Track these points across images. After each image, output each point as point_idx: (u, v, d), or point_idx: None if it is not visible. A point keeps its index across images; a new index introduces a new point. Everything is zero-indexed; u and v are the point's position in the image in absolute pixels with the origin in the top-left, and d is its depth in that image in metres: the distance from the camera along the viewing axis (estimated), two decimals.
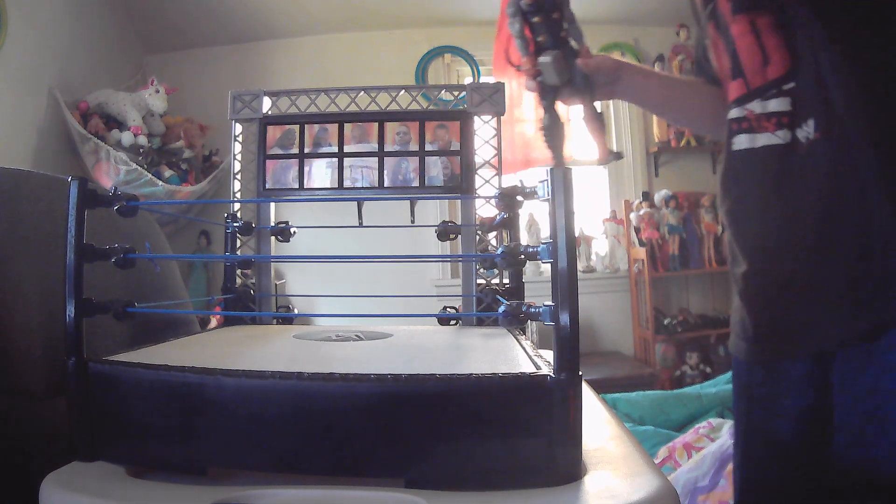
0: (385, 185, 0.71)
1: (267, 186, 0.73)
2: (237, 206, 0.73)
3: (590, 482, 0.35)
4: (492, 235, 0.71)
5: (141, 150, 2.41)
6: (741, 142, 0.65)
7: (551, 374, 0.35)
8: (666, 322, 2.85)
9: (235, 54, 3.03)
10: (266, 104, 0.74)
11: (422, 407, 0.35)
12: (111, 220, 0.47)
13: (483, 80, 2.94)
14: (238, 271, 0.73)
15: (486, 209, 0.70)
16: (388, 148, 0.71)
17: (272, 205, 0.75)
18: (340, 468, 0.35)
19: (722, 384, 2.21)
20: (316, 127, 0.73)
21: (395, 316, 0.43)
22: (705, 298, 3.00)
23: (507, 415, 0.35)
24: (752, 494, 0.70)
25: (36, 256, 0.58)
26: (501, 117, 0.73)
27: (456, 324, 0.67)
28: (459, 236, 0.70)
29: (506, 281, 0.69)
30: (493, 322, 0.66)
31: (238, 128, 0.74)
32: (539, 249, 0.37)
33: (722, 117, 0.70)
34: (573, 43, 0.79)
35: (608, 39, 3.08)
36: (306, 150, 0.73)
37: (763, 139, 0.62)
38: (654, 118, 3.00)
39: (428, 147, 0.71)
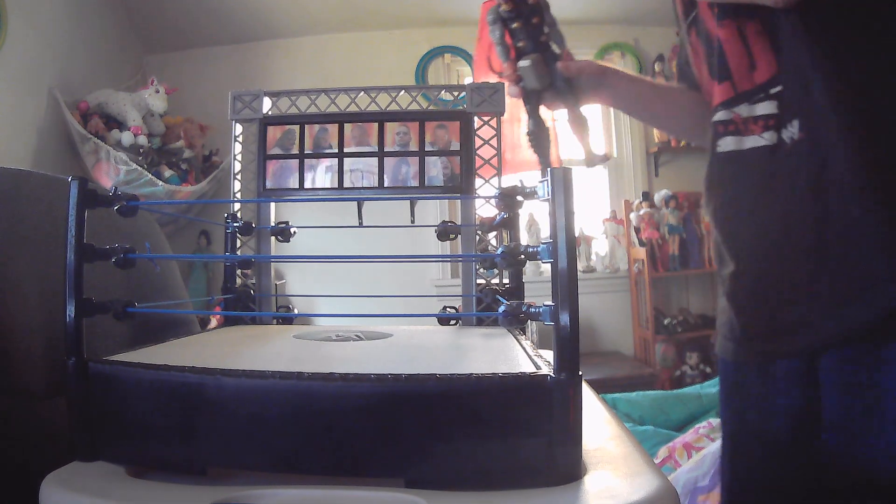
0: (385, 185, 0.71)
1: (267, 187, 0.73)
2: (237, 206, 0.73)
3: (590, 482, 0.35)
4: (492, 235, 0.71)
5: (141, 150, 2.41)
6: (727, 144, 0.65)
7: (551, 374, 0.35)
8: (666, 322, 2.85)
9: (235, 54, 3.03)
10: (266, 104, 0.74)
11: (422, 407, 0.35)
12: (111, 220, 0.47)
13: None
14: (238, 271, 0.73)
15: (486, 209, 0.70)
16: (387, 148, 0.71)
17: (272, 205, 0.75)
18: (340, 468, 0.35)
19: None
20: (316, 127, 0.73)
21: (395, 316, 0.43)
22: (705, 298, 3.00)
23: (507, 415, 0.35)
24: (739, 495, 0.71)
25: (36, 256, 0.58)
26: (502, 117, 0.73)
27: (456, 324, 0.67)
28: (459, 236, 0.70)
29: (506, 281, 0.69)
30: (493, 322, 0.66)
31: (238, 128, 0.74)
32: (539, 249, 0.37)
33: (704, 123, 0.70)
34: (554, 47, 0.80)
35: (608, 39, 3.08)
36: (306, 151, 0.73)
37: (750, 142, 0.63)
38: None
39: (428, 147, 0.71)
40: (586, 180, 3.16)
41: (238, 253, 0.72)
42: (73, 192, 0.40)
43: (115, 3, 2.74)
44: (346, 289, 2.49)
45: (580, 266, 2.99)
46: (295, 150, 0.73)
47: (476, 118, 0.71)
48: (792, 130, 0.59)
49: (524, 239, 0.70)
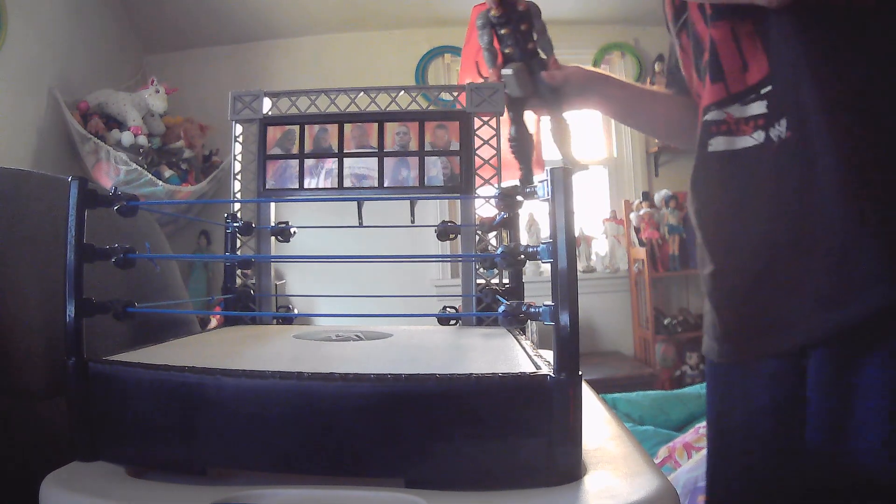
0: (385, 185, 0.71)
1: (267, 187, 0.73)
2: (237, 206, 0.73)
3: (590, 482, 0.35)
4: (492, 235, 0.71)
5: (141, 150, 2.41)
6: (719, 144, 0.65)
7: (551, 374, 0.35)
8: (666, 322, 2.85)
9: (235, 54, 3.03)
10: (266, 105, 0.74)
11: (422, 407, 0.35)
12: (111, 220, 0.47)
13: None
14: (238, 271, 0.73)
15: (485, 209, 0.70)
16: (387, 148, 0.71)
17: (272, 205, 0.75)
18: (340, 468, 0.35)
19: None
20: (316, 127, 0.73)
21: (396, 316, 0.43)
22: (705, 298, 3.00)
23: (506, 415, 0.35)
24: (723, 494, 0.71)
25: (36, 256, 0.59)
26: (501, 117, 0.73)
27: (456, 324, 0.67)
28: (459, 236, 0.70)
29: (506, 281, 0.69)
30: (493, 322, 0.66)
31: (238, 128, 0.74)
32: (539, 249, 0.37)
33: (691, 128, 0.71)
34: (542, 55, 0.80)
35: (608, 39, 3.09)
36: (306, 151, 0.73)
37: (742, 142, 0.63)
38: None
39: (428, 147, 0.71)
40: (586, 180, 3.16)
41: (238, 253, 0.72)
42: (73, 192, 0.40)
43: (115, 3, 2.75)
44: (346, 289, 2.49)
45: (580, 266, 2.99)
46: (295, 151, 0.73)
47: (476, 118, 0.71)
48: (780, 129, 0.59)
49: (524, 239, 0.71)
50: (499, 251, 0.42)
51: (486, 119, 0.72)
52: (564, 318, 0.35)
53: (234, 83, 2.59)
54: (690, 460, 1.45)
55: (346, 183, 0.71)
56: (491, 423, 0.35)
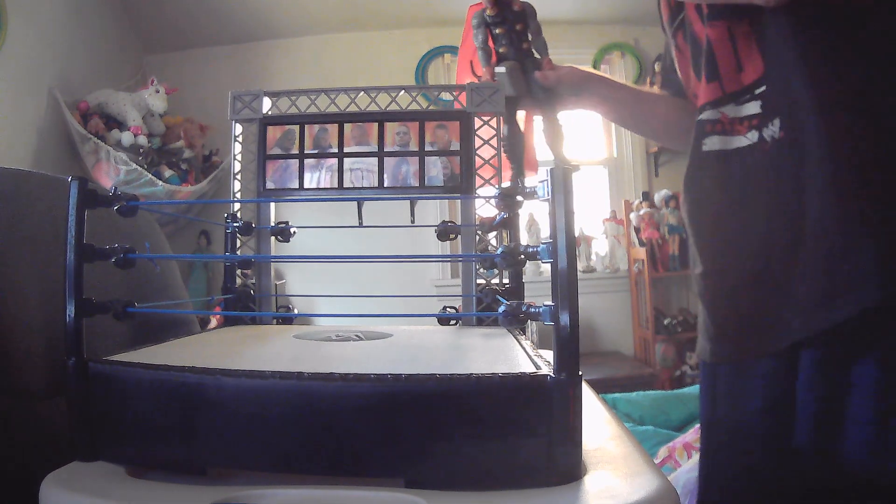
0: (385, 185, 0.71)
1: (267, 187, 0.73)
2: (237, 206, 0.73)
3: (590, 482, 0.35)
4: (492, 235, 0.71)
5: (141, 150, 2.41)
6: (713, 143, 0.65)
7: (551, 374, 0.35)
8: (666, 322, 2.85)
9: (235, 54, 3.03)
10: (266, 104, 0.74)
11: (422, 407, 0.35)
12: (111, 220, 0.47)
13: None
14: (238, 271, 0.73)
15: (486, 209, 0.70)
16: (387, 148, 0.71)
17: (272, 205, 0.75)
18: (340, 468, 0.35)
19: None
20: (316, 127, 0.73)
21: (396, 316, 0.43)
22: None
23: (506, 415, 0.35)
24: (715, 493, 0.71)
25: (36, 256, 0.59)
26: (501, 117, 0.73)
27: (456, 324, 0.67)
28: (459, 236, 0.70)
29: (506, 281, 0.69)
30: (493, 322, 0.66)
31: (238, 128, 0.74)
32: (539, 249, 0.37)
33: (685, 129, 0.71)
34: (536, 55, 0.80)
35: (608, 39, 3.08)
36: (306, 151, 0.73)
37: (736, 142, 0.63)
38: None
39: (428, 147, 0.71)
40: (586, 180, 3.16)
41: (238, 253, 0.72)
42: (73, 192, 0.40)
43: (115, 3, 2.75)
44: (346, 289, 2.49)
45: (580, 266, 2.99)
46: (295, 150, 0.73)
47: (476, 118, 0.71)
48: (773, 129, 0.59)
49: (524, 239, 0.71)
50: (499, 251, 0.42)
51: (486, 119, 0.72)
52: (564, 318, 0.35)
53: (234, 83, 2.58)
54: (690, 460, 1.45)
55: (347, 178, 0.71)
56: (491, 423, 0.35)
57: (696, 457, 1.41)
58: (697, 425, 1.68)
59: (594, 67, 3.02)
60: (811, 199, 0.56)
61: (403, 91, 0.75)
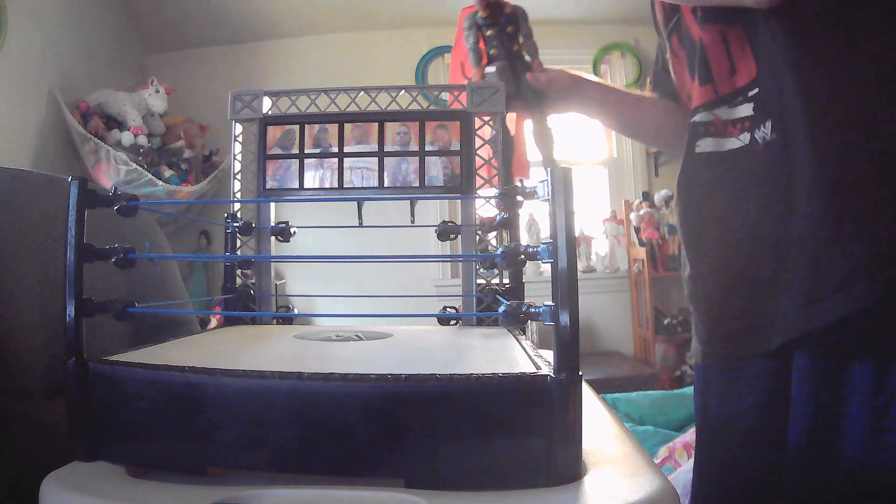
0: (385, 185, 0.71)
1: (267, 186, 0.73)
2: (237, 206, 0.73)
3: (590, 482, 0.35)
4: (492, 235, 0.71)
5: (141, 150, 2.41)
6: (707, 145, 0.66)
7: (551, 374, 0.35)
8: (666, 322, 2.85)
9: (235, 54, 3.03)
10: (266, 104, 0.74)
11: (422, 407, 0.35)
12: (111, 220, 0.47)
13: None
14: (238, 271, 0.73)
15: (486, 209, 0.70)
16: (388, 148, 0.71)
17: (272, 205, 0.75)
18: (340, 468, 0.35)
19: None
20: (316, 127, 0.73)
21: (395, 316, 0.43)
22: None
23: (506, 415, 0.35)
24: (709, 492, 0.71)
25: (36, 256, 0.59)
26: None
27: (456, 324, 0.67)
28: (459, 236, 0.70)
29: (506, 281, 0.69)
30: (493, 322, 0.66)
31: (238, 128, 0.74)
32: (539, 249, 0.37)
33: (675, 132, 0.71)
34: (527, 57, 0.80)
35: (608, 39, 3.08)
36: (307, 151, 0.73)
37: (728, 144, 0.64)
38: None
39: (428, 147, 0.71)
40: (586, 180, 3.16)
41: (238, 253, 0.72)
42: (73, 192, 0.40)
43: (115, 4, 2.75)
44: (346, 289, 2.50)
45: (580, 266, 2.99)
46: (295, 150, 0.73)
47: (476, 118, 0.71)
48: (764, 131, 0.59)
49: (524, 239, 0.71)
50: (499, 251, 0.42)
51: (486, 119, 0.72)
52: (564, 318, 0.35)
53: (234, 83, 2.59)
54: (690, 460, 1.45)
55: (347, 176, 0.71)
56: (491, 423, 0.35)
57: None
58: None
59: (594, 67, 3.02)
60: (800, 200, 0.56)
61: (404, 91, 0.75)
